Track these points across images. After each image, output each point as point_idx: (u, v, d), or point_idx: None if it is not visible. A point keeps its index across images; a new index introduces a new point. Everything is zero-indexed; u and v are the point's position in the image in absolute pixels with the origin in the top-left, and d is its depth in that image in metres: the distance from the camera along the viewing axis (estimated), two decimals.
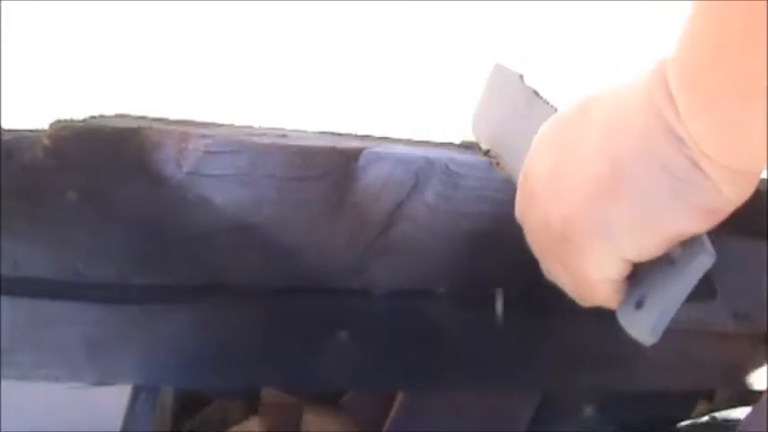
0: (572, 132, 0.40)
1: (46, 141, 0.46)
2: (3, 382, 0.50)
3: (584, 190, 0.38)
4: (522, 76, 0.55)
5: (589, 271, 0.40)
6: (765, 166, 0.34)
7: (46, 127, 0.46)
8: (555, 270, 0.43)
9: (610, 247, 0.38)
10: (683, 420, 0.72)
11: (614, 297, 0.40)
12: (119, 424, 0.58)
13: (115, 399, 0.60)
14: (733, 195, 0.36)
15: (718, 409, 0.71)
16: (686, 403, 0.72)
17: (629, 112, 0.36)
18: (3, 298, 0.48)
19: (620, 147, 0.36)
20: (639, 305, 0.38)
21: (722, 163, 0.34)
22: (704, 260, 0.36)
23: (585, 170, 0.38)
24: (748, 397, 0.63)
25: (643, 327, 0.38)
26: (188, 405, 0.74)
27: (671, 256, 0.37)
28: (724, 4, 0.30)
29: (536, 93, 0.51)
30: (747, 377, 0.63)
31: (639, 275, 0.39)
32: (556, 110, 0.47)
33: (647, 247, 0.37)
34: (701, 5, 0.31)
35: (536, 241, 0.43)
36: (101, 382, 0.51)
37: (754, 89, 0.30)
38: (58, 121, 0.46)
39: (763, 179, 0.59)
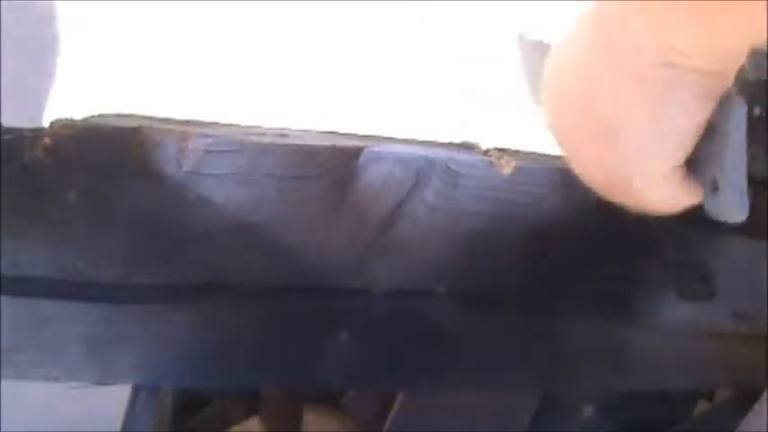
0: (557, 86, 0.39)
1: (47, 141, 0.46)
2: (3, 382, 0.50)
3: (591, 147, 0.38)
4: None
5: (646, 199, 0.39)
6: (747, 45, 0.33)
7: (46, 126, 0.46)
8: (609, 195, 0.42)
9: (645, 175, 0.38)
10: (683, 420, 0.72)
11: (685, 198, 0.40)
12: (119, 424, 0.59)
13: (115, 399, 0.60)
14: (726, 70, 0.35)
15: (718, 409, 0.72)
16: (686, 403, 0.72)
17: (589, 47, 0.36)
18: (3, 297, 0.48)
19: (596, 89, 0.36)
20: (715, 187, 0.38)
21: (697, 52, 0.33)
22: (738, 111, 0.35)
23: (581, 127, 0.38)
24: (748, 397, 0.63)
25: (728, 207, 0.38)
26: (188, 405, 0.74)
27: (711, 126, 0.36)
28: None
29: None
30: (747, 377, 0.63)
31: (701, 160, 0.38)
32: None
33: (672, 155, 0.37)
34: None
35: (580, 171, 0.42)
36: (101, 382, 0.51)
37: None
38: (59, 120, 0.46)
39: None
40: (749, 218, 0.57)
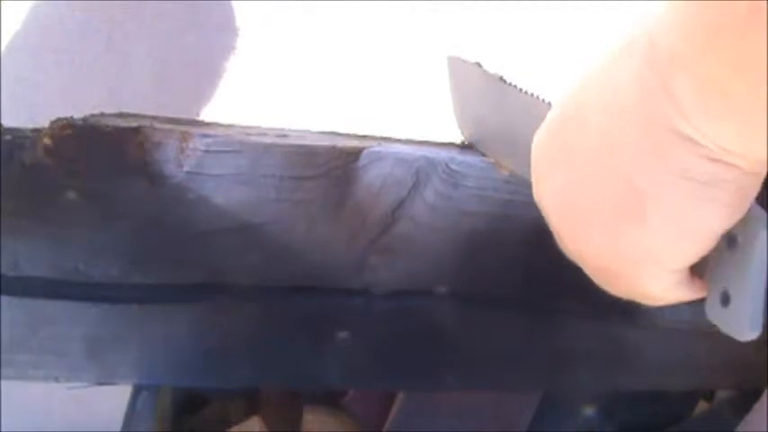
0: (571, 147, 0.37)
1: (47, 141, 0.46)
2: (3, 382, 0.50)
3: (606, 222, 0.35)
4: (479, 64, 0.54)
5: (644, 291, 0.37)
6: None
7: (46, 126, 0.46)
8: (609, 289, 0.40)
9: (654, 268, 0.36)
10: (683, 420, 0.72)
11: (685, 295, 0.38)
12: (119, 424, 0.59)
13: (115, 399, 0.60)
14: (761, 170, 0.33)
15: (718, 409, 0.72)
16: (686, 403, 0.72)
17: (629, 121, 0.33)
18: (3, 297, 0.48)
19: (631, 166, 0.34)
20: (725, 300, 0.35)
21: (745, 154, 0.32)
22: (765, 234, 0.33)
23: (601, 198, 0.35)
24: (748, 397, 0.63)
25: (738, 323, 0.35)
26: (188, 405, 0.74)
27: (732, 236, 0.34)
28: None
29: (502, 79, 0.50)
30: (747, 377, 0.63)
31: (711, 265, 0.36)
32: (527, 93, 0.46)
33: (691, 254, 0.35)
34: None
35: (583, 268, 0.40)
36: (101, 382, 0.51)
37: None
38: (59, 120, 0.46)
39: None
40: None
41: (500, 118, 0.50)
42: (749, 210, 0.34)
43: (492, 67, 0.53)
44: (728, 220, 0.34)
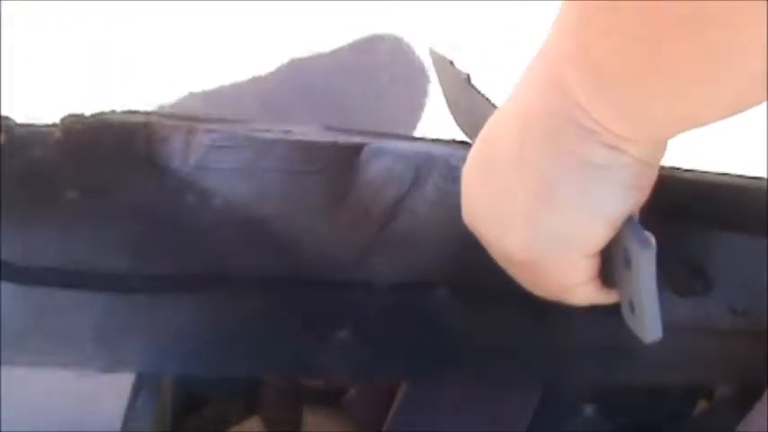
0: (491, 161, 0.40)
1: (57, 135, 0.46)
2: (3, 382, 0.50)
3: (524, 212, 0.39)
4: (452, 62, 0.55)
5: (563, 282, 0.41)
6: (672, 134, 0.35)
7: (57, 121, 0.47)
8: (536, 290, 0.45)
9: (569, 254, 0.39)
10: (682, 419, 0.72)
11: (598, 294, 0.42)
12: (119, 424, 0.59)
13: (116, 396, 0.60)
14: (653, 160, 0.37)
15: (718, 409, 0.72)
16: (686, 403, 0.72)
17: (535, 121, 0.37)
18: (12, 286, 0.48)
19: (540, 159, 0.37)
20: (632, 309, 0.40)
21: (633, 139, 0.35)
22: (646, 254, 0.37)
23: (518, 192, 0.38)
24: (749, 396, 0.63)
25: (641, 328, 0.40)
26: (188, 405, 0.74)
27: (627, 258, 0.38)
28: None
29: (468, 80, 0.52)
30: (747, 375, 0.63)
31: (622, 277, 0.40)
32: (487, 100, 0.48)
33: (599, 236, 0.38)
34: None
35: (511, 273, 0.45)
36: (108, 370, 0.51)
37: (646, 64, 0.30)
38: (70, 116, 0.47)
39: (764, 179, 0.60)
40: (749, 216, 0.57)
41: (469, 118, 0.52)
42: (636, 233, 0.37)
43: (464, 66, 0.54)
44: (628, 203, 0.37)
